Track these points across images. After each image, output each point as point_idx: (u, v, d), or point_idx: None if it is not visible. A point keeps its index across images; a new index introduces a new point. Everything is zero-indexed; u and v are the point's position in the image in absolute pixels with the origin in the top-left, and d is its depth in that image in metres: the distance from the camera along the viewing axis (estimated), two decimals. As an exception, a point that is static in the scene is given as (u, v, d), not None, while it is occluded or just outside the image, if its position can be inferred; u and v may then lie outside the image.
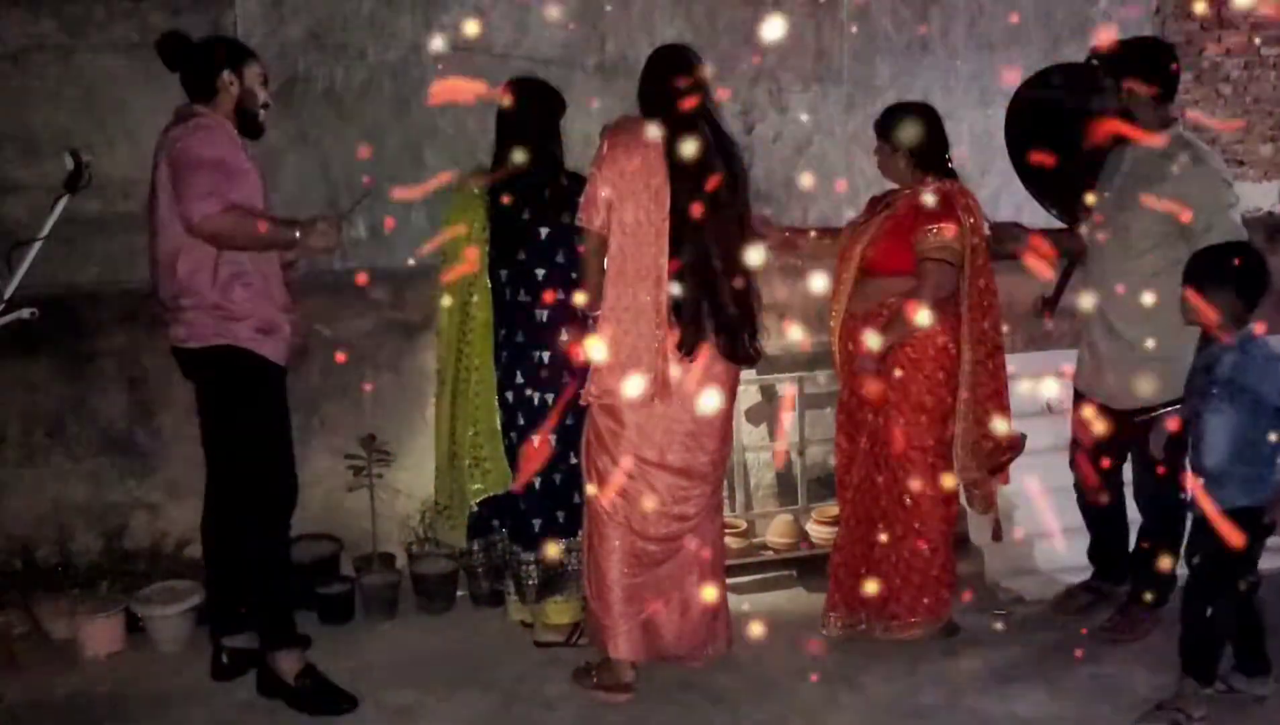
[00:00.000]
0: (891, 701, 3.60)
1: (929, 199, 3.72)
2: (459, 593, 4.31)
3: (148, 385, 4.30)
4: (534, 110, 3.73)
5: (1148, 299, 3.66)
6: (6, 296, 3.55)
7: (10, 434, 4.26)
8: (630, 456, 3.52)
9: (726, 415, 3.67)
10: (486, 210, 3.73)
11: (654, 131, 3.41)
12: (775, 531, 4.52)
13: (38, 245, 3.55)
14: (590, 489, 3.60)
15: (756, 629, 4.03)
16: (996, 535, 4.08)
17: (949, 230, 3.66)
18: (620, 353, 3.44)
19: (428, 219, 4.68)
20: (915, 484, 3.78)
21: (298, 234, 3.38)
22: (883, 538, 3.84)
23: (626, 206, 3.39)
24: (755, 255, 3.58)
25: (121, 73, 4.35)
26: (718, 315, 3.48)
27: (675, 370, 3.48)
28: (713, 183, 3.42)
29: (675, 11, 4.90)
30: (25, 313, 3.57)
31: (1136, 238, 3.72)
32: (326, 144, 4.63)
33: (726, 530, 4.42)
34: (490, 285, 3.76)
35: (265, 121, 3.56)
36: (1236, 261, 3.27)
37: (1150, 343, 3.70)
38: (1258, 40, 5.72)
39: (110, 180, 4.13)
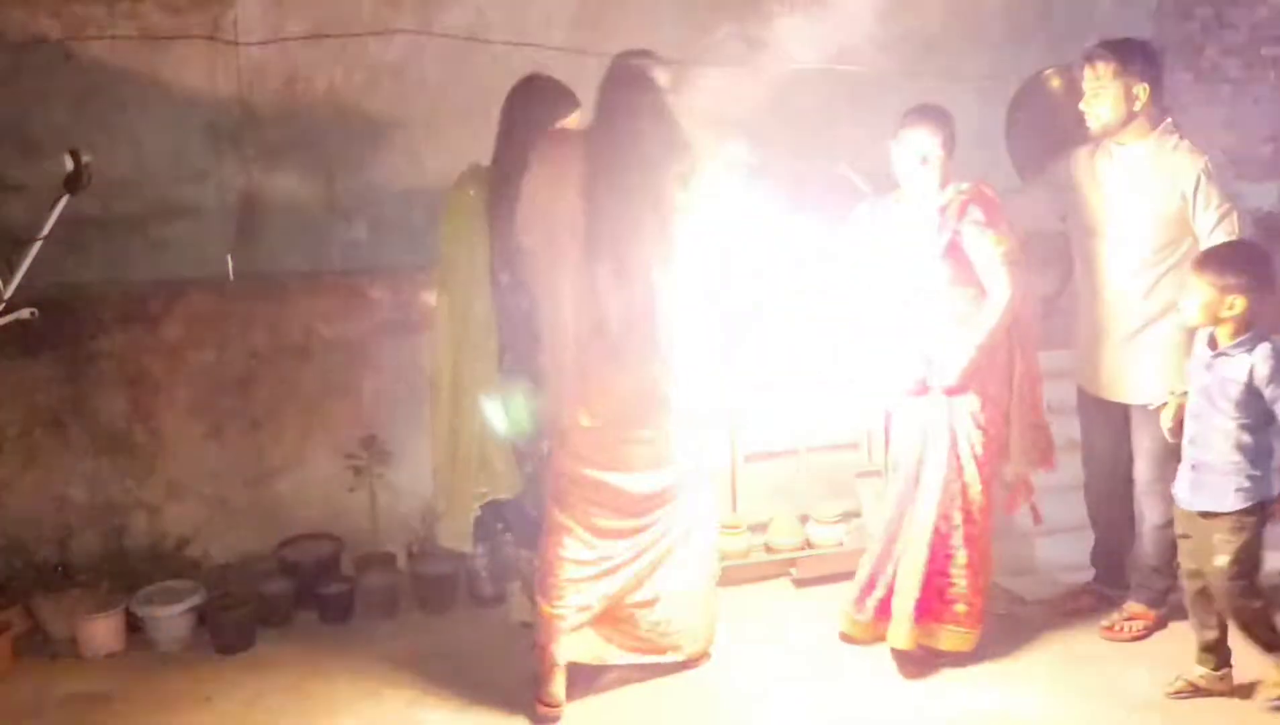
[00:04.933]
0: (891, 701, 3.60)
1: (981, 204, 3.63)
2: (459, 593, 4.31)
3: (148, 385, 4.30)
4: (536, 112, 3.67)
5: (1154, 293, 3.72)
6: (6, 296, 3.55)
7: (10, 434, 4.25)
8: (583, 470, 3.47)
9: (671, 434, 3.53)
10: (487, 214, 3.67)
11: (578, 152, 3.36)
12: (775, 531, 4.51)
13: (38, 245, 3.56)
14: (550, 499, 3.54)
15: (756, 629, 4.03)
16: (1037, 518, 4.03)
17: (1011, 233, 3.61)
18: (547, 376, 3.45)
19: (427, 219, 4.68)
20: (982, 482, 3.74)
21: None
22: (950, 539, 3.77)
23: (541, 232, 3.38)
24: (695, 274, 3.44)
25: (122, 73, 4.35)
26: (629, 338, 3.37)
27: (600, 390, 3.41)
28: (631, 204, 3.32)
29: (676, 12, 4.90)
30: (25, 313, 3.58)
31: (1145, 233, 3.73)
32: (326, 144, 4.63)
33: (726, 530, 4.43)
34: (491, 291, 3.70)
35: None
36: (1253, 258, 3.33)
37: (1157, 335, 3.74)
38: (1258, 40, 5.72)
39: (110, 180, 4.14)
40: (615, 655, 3.65)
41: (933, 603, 3.76)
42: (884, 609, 3.83)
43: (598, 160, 3.35)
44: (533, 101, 3.67)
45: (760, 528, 4.54)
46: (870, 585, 3.89)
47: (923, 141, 3.65)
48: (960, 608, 3.76)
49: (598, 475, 3.48)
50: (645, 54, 3.51)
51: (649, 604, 3.62)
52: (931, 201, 3.70)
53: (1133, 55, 3.72)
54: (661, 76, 3.44)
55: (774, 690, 3.66)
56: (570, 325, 3.40)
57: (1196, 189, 3.65)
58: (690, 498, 3.63)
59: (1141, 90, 3.68)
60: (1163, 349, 3.75)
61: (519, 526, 3.85)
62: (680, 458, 3.56)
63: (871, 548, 3.94)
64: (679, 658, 3.72)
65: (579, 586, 3.51)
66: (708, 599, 3.76)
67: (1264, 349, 3.27)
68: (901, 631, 3.74)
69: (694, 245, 3.44)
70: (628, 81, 3.41)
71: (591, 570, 3.52)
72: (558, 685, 3.52)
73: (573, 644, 3.55)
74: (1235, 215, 3.65)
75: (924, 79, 5.16)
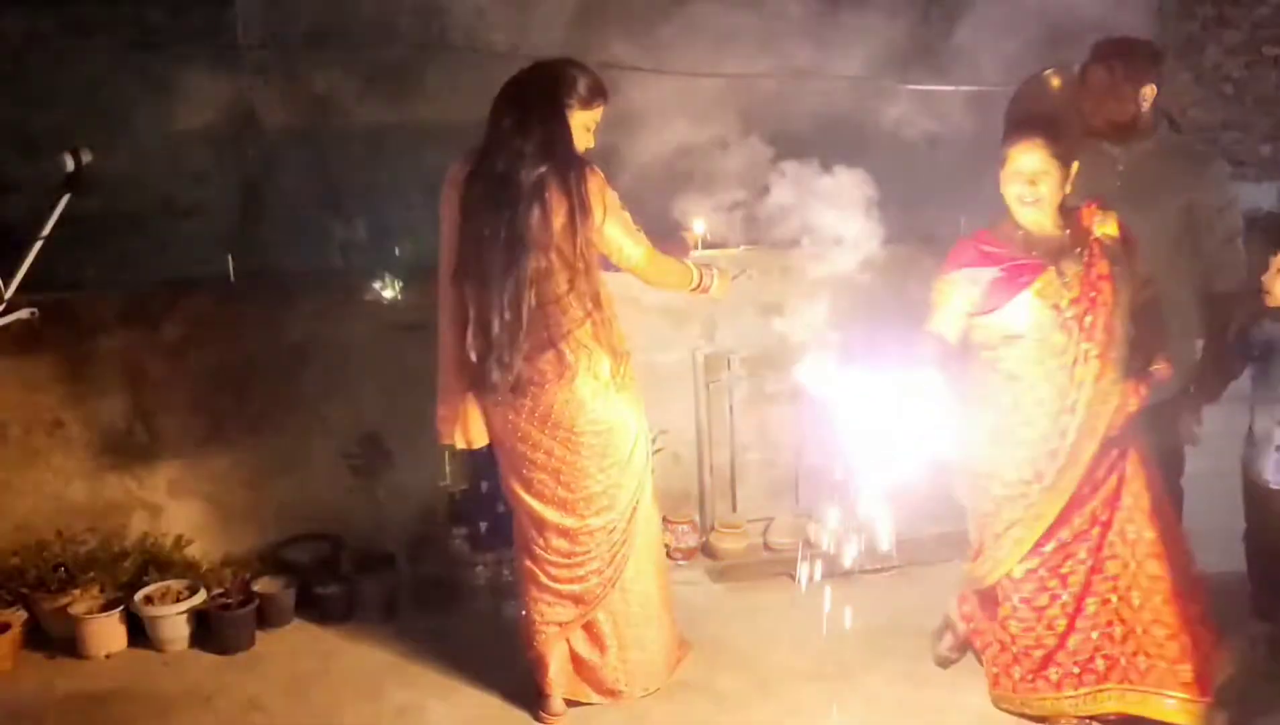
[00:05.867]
0: (891, 701, 3.59)
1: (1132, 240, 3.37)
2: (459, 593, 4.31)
3: (148, 385, 4.30)
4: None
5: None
6: (7, 296, 3.55)
7: (10, 434, 4.26)
8: (510, 481, 3.48)
9: (583, 462, 3.38)
10: None
11: (459, 172, 3.28)
12: (775, 531, 4.52)
13: (38, 245, 3.55)
14: (514, 534, 3.55)
15: (756, 629, 4.03)
16: None
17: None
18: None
19: (427, 219, 4.67)
20: None
21: None
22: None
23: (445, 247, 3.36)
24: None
25: (121, 72, 4.35)
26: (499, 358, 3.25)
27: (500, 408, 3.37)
28: (492, 224, 3.21)
29: (676, 13, 4.89)
30: (25, 313, 3.58)
31: (1145, 232, 3.73)
32: (326, 143, 4.63)
33: (727, 529, 4.43)
34: None
35: None
36: None
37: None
38: (1258, 40, 5.72)
39: (110, 180, 4.13)
40: (588, 695, 3.57)
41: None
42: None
43: (470, 181, 3.26)
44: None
45: (760, 522, 4.56)
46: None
47: (1035, 162, 3.15)
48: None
49: (517, 490, 3.43)
50: (566, 64, 3.31)
51: (607, 645, 3.51)
52: (1051, 233, 3.26)
53: (1143, 55, 3.76)
54: (569, 92, 3.25)
55: (774, 690, 3.66)
56: (450, 347, 3.39)
57: (1203, 186, 3.67)
58: (615, 518, 3.44)
59: (1149, 90, 3.71)
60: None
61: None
62: (596, 491, 3.39)
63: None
64: (629, 697, 3.57)
65: (552, 614, 3.47)
66: (659, 630, 3.60)
67: None
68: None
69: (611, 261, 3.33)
70: (511, 96, 3.25)
71: (559, 592, 3.45)
72: (557, 701, 3.52)
73: (559, 675, 3.51)
74: (1233, 213, 3.68)
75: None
